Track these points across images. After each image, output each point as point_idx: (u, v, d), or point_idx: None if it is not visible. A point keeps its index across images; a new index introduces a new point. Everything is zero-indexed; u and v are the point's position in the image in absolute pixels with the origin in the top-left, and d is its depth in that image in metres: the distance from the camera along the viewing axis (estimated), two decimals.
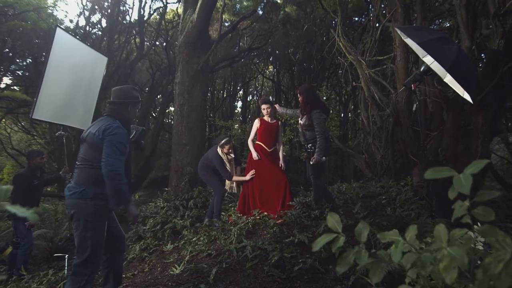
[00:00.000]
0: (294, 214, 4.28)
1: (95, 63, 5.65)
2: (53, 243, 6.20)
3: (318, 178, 4.40)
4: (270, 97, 28.60)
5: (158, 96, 18.21)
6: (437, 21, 11.46)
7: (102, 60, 5.77)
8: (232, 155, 5.23)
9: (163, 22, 15.04)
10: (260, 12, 15.06)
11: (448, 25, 10.32)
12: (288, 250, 3.57)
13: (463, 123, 5.14)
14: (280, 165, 4.96)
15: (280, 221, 4.37)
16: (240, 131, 10.37)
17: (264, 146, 4.98)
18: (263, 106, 5.08)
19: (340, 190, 5.37)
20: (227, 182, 5.24)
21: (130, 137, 3.13)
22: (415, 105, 3.94)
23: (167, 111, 19.56)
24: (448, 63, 3.43)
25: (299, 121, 4.56)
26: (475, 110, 4.94)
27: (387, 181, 5.30)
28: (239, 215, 4.74)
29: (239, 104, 26.53)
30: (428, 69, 3.84)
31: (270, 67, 20.62)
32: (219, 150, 5.09)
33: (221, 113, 20.40)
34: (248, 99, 25.94)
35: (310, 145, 4.43)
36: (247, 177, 4.98)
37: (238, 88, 23.70)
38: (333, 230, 0.90)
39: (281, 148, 5.09)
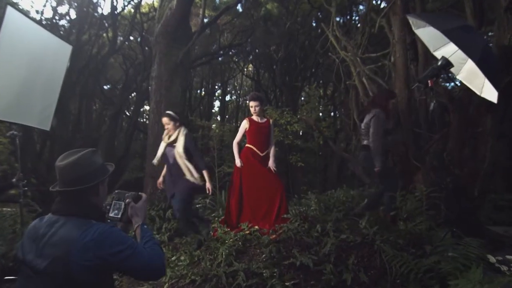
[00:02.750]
0: (292, 229, 3.69)
1: (57, 52, 4.85)
2: (6, 261, 5.34)
3: None
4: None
5: (132, 95, 17.23)
6: None
7: (66, 48, 4.98)
8: (173, 138, 4.29)
9: (137, 15, 14.13)
10: (240, 10, 14.55)
11: None
12: (289, 276, 2.99)
13: (470, 125, 4.74)
14: (273, 170, 4.33)
15: (274, 236, 3.77)
16: (218, 131, 9.65)
17: (256, 150, 4.33)
18: (251, 104, 4.40)
19: (338, 199, 4.81)
20: (195, 175, 4.15)
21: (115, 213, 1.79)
22: (432, 104, 3.44)
23: (141, 110, 18.58)
24: (477, 55, 2.95)
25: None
26: (483, 111, 4.55)
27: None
28: (226, 229, 4.10)
29: (217, 103, 25.93)
30: (447, 63, 3.36)
31: (250, 66, 20.10)
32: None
33: (199, 113, 19.64)
34: (227, 99, 25.33)
35: None
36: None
37: (216, 87, 23.09)
38: None
39: (272, 149, 4.45)
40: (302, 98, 16.59)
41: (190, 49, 6.81)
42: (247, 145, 4.46)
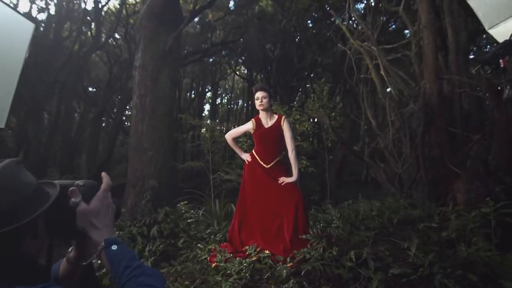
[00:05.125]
0: (316, 256, 2.78)
1: (16, 31, 3.90)
2: None
3: None
4: (240, 100, 27.11)
5: (119, 97, 16.17)
6: None
7: (27, 26, 4.02)
8: None
9: (124, 11, 13.16)
10: (233, 8, 13.83)
11: None
12: None
13: None
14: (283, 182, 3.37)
15: (291, 264, 2.87)
16: (209, 134, 8.74)
17: (260, 161, 3.42)
18: (258, 95, 3.38)
19: (365, 213, 3.89)
20: None
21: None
22: (506, 91, 2.60)
23: (126, 112, 17.49)
24: None
25: None
26: None
27: (425, 200, 3.96)
28: (227, 255, 3.17)
29: (207, 107, 25.16)
30: None
31: (241, 67, 19.37)
32: None
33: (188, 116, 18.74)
34: (217, 102, 24.55)
35: None
36: None
37: (207, 90, 22.27)
38: None
39: (292, 158, 3.38)
40: (295, 102, 15.87)
41: (181, 35, 5.90)
42: (252, 151, 3.56)
